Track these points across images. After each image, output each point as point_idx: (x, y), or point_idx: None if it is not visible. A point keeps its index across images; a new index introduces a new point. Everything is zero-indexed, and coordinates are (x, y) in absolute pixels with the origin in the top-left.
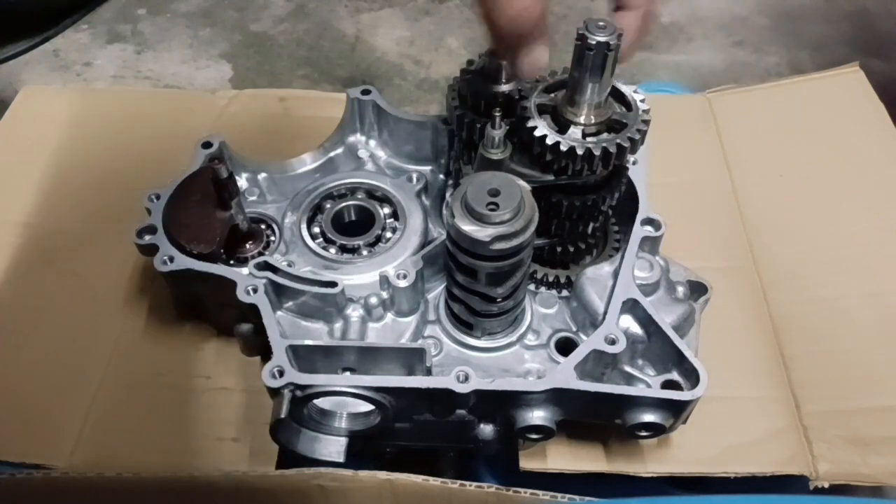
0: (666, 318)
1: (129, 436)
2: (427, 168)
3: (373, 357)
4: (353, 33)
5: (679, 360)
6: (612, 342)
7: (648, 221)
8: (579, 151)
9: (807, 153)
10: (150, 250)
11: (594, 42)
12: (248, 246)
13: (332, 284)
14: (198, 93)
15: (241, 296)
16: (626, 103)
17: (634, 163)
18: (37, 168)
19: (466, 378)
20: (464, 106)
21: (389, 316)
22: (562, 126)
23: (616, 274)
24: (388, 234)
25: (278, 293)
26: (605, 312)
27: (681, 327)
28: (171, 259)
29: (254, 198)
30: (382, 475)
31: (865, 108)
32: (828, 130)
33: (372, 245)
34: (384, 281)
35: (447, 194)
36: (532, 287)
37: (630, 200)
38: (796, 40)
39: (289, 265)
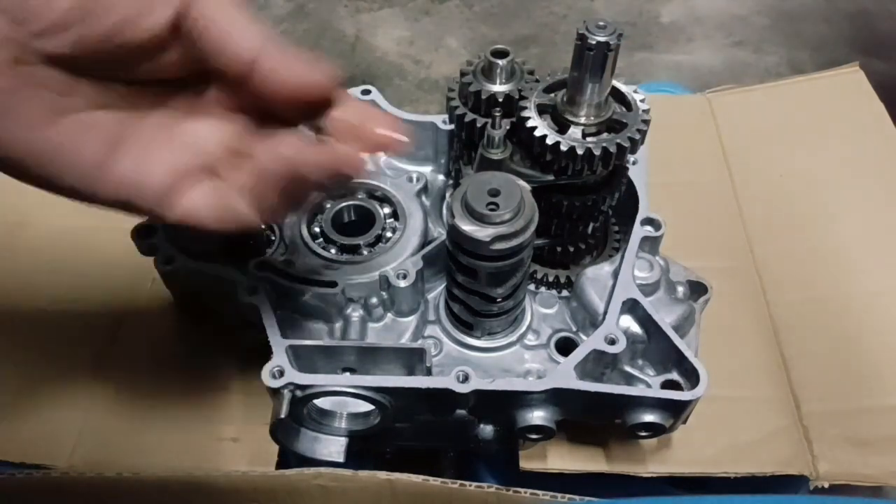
0: (666, 318)
1: (128, 436)
2: (427, 168)
3: (373, 357)
4: (353, 33)
5: (679, 360)
6: (612, 342)
7: (648, 221)
8: (579, 151)
9: (807, 153)
10: (150, 250)
11: (594, 42)
12: (247, 246)
13: (333, 284)
14: None
15: (241, 296)
16: (626, 103)
17: (634, 163)
18: None
19: (466, 378)
20: (464, 106)
21: (389, 316)
22: (562, 126)
23: (616, 274)
24: (388, 234)
25: (278, 293)
26: (605, 312)
27: (681, 327)
28: (171, 259)
29: None
30: (382, 475)
31: (865, 108)
32: (828, 130)
33: (372, 245)
34: (384, 281)
35: (447, 194)
36: (532, 287)
37: (630, 200)
38: (796, 40)
39: (289, 265)
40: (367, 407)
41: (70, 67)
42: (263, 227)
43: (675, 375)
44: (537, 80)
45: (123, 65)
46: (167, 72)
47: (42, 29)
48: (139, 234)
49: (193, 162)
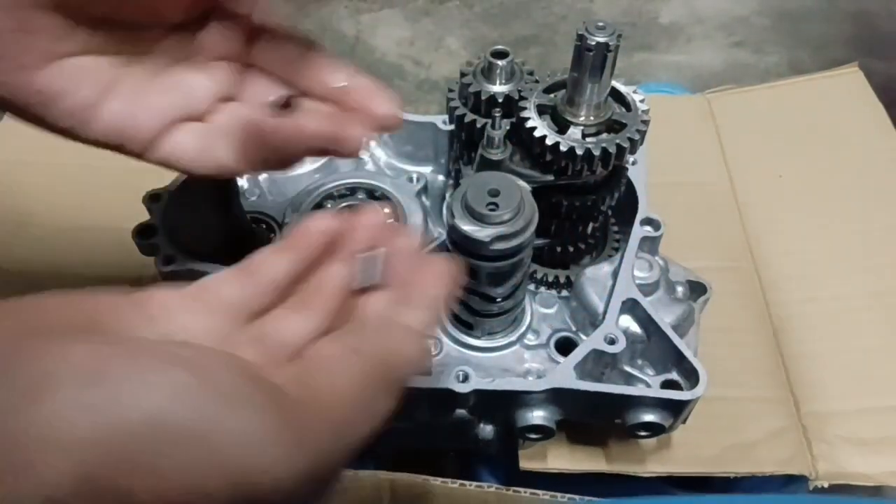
0: (665, 318)
1: None
2: (427, 168)
3: None
4: (353, 34)
5: (678, 360)
6: (612, 342)
7: (648, 221)
8: (579, 152)
9: (806, 153)
10: (151, 251)
11: (594, 43)
12: (248, 246)
13: None
14: None
15: None
16: (626, 103)
17: (634, 163)
18: (36, 167)
19: (466, 378)
20: (464, 106)
21: None
22: (561, 126)
23: (616, 274)
24: None
25: None
26: (605, 312)
27: (680, 327)
28: (172, 259)
29: (254, 198)
30: (382, 475)
31: (865, 109)
32: (827, 131)
33: None
34: None
35: (447, 194)
36: (532, 287)
37: (629, 200)
38: (796, 40)
39: None
40: None
41: (67, 11)
42: (264, 227)
43: (674, 375)
44: (537, 81)
45: (119, 5)
46: (164, 13)
47: None
48: (140, 235)
49: (182, 108)
